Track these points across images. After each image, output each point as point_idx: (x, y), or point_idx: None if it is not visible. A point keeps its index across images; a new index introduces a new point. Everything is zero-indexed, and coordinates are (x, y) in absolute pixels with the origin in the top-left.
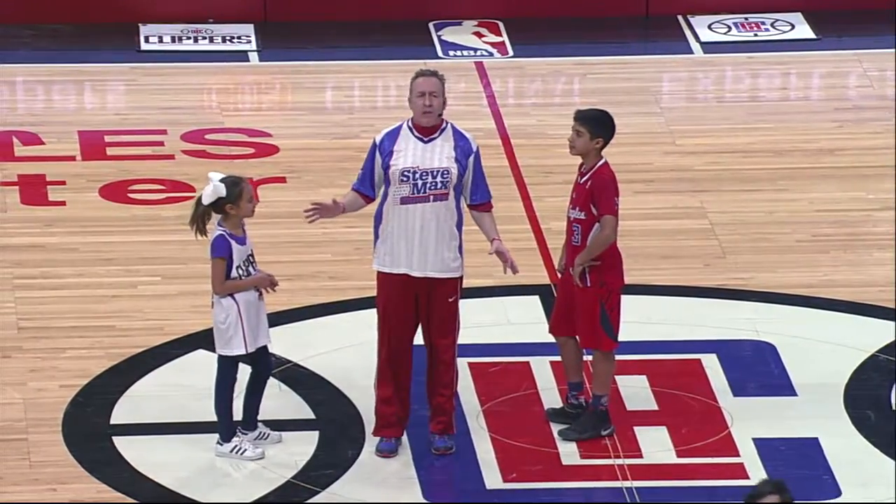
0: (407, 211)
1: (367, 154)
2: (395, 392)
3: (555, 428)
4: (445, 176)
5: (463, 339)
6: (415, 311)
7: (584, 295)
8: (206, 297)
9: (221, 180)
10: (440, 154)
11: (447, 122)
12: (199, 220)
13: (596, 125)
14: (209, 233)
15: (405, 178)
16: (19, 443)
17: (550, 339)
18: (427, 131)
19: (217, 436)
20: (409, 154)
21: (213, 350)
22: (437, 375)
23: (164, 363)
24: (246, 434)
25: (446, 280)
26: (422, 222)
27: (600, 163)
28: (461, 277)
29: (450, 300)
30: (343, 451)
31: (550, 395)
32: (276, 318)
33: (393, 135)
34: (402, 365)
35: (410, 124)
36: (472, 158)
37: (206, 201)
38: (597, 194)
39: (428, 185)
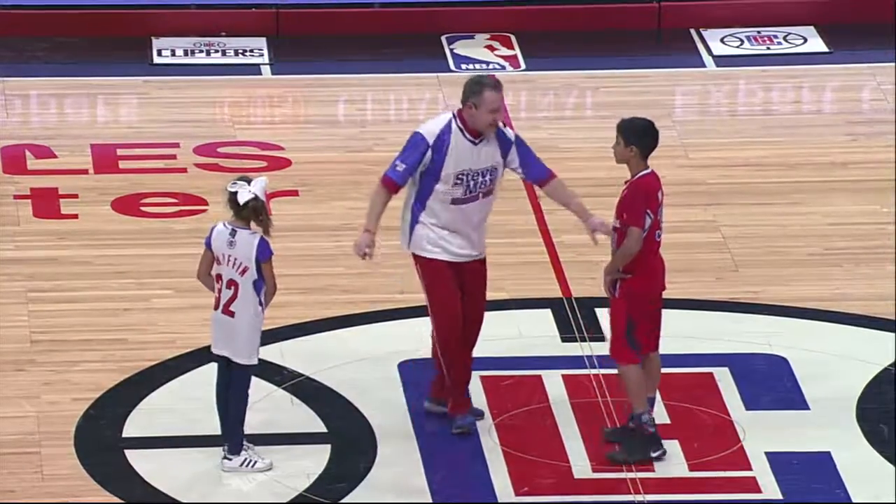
0: (460, 210)
1: (409, 147)
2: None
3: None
4: (494, 174)
5: (475, 352)
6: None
7: (614, 305)
8: None
9: (246, 180)
10: (487, 154)
11: None
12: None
13: (629, 133)
14: (232, 233)
15: (460, 181)
16: (32, 456)
17: (562, 352)
18: (478, 133)
19: (221, 450)
20: (463, 156)
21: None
22: (475, 341)
23: (177, 376)
24: (252, 447)
25: (484, 258)
26: (476, 218)
27: (642, 172)
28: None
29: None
30: (355, 465)
31: (562, 409)
32: (289, 332)
33: (444, 135)
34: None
35: (460, 124)
36: (512, 149)
37: (262, 196)
38: (626, 204)
39: (478, 184)
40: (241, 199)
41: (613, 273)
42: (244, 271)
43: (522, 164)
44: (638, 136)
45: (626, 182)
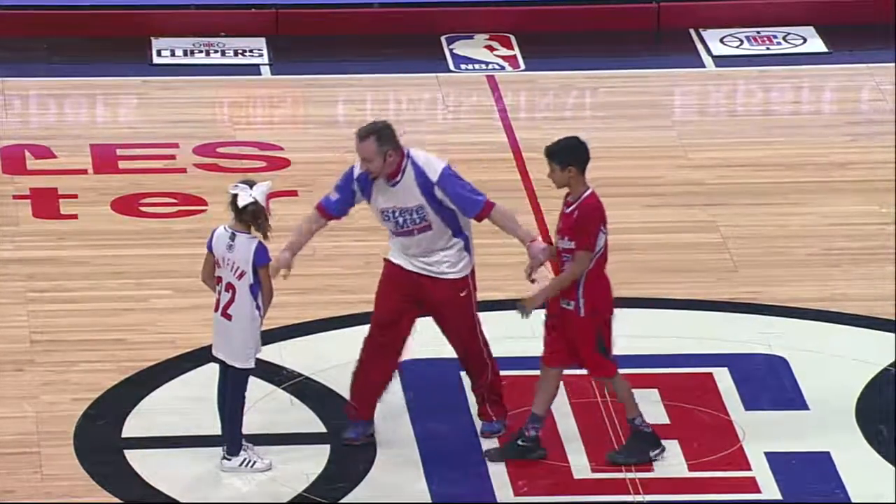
0: (402, 241)
1: (342, 179)
2: None
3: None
4: (422, 212)
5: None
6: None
7: (581, 325)
8: None
9: (247, 183)
10: (408, 194)
11: (408, 160)
12: (266, 221)
13: (562, 156)
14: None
15: (387, 218)
16: (31, 456)
17: None
18: (389, 177)
19: (220, 451)
20: (384, 195)
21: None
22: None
23: (176, 377)
24: (251, 447)
25: (450, 283)
26: (418, 250)
27: (586, 193)
28: (462, 278)
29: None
30: (355, 465)
31: (561, 410)
32: (287, 332)
33: (367, 175)
34: None
35: None
36: (436, 190)
37: (262, 200)
38: (579, 226)
39: (407, 220)
40: (241, 202)
41: (551, 295)
42: (241, 275)
43: (454, 203)
44: (572, 156)
45: (566, 203)
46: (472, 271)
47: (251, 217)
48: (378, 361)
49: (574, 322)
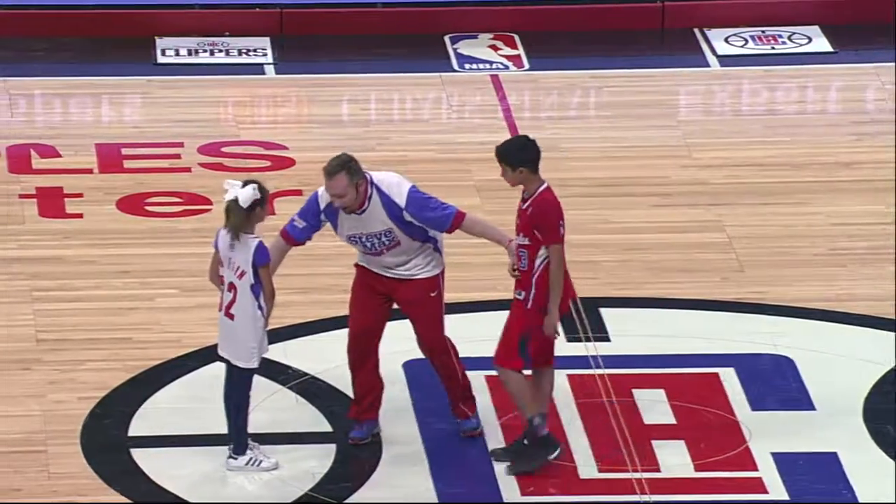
0: (373, 259)
1: (306, 206)
2: None
3: (499, 467)
4: (390, 234)
5: (477, 352)
6: None
7: (521, 314)
8: None
9: (246, 183)
10: (375, 220)
11: (372, 188)
12: (242, 225)
13: (512, 158)
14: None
15: (355, 241)
16: (38, 455)
17: (567, 352)
18: (357, 206)
19: (226, 449)
20: (351, 223)
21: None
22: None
23: (182, 375)
24: (258, 446)
25: (420, 281)
26: (391, 262)
27: (541, 188)
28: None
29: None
30: (360, 464)
31: (567, 409)
32: (292, 332)
33: (333, 205)
34: None
35: None
36: (405, 214)
37: (245, 205)
38: (539, 222)
39: (375, 244)
40: (244, 201)
41: (557, 297)
42: (242, 275)
43: (423, 223)
44: (522, 156)
45: (522, 200)
46: (443, 272)
47: (252, 210)
48: (367, 365)
49: (515, 310)
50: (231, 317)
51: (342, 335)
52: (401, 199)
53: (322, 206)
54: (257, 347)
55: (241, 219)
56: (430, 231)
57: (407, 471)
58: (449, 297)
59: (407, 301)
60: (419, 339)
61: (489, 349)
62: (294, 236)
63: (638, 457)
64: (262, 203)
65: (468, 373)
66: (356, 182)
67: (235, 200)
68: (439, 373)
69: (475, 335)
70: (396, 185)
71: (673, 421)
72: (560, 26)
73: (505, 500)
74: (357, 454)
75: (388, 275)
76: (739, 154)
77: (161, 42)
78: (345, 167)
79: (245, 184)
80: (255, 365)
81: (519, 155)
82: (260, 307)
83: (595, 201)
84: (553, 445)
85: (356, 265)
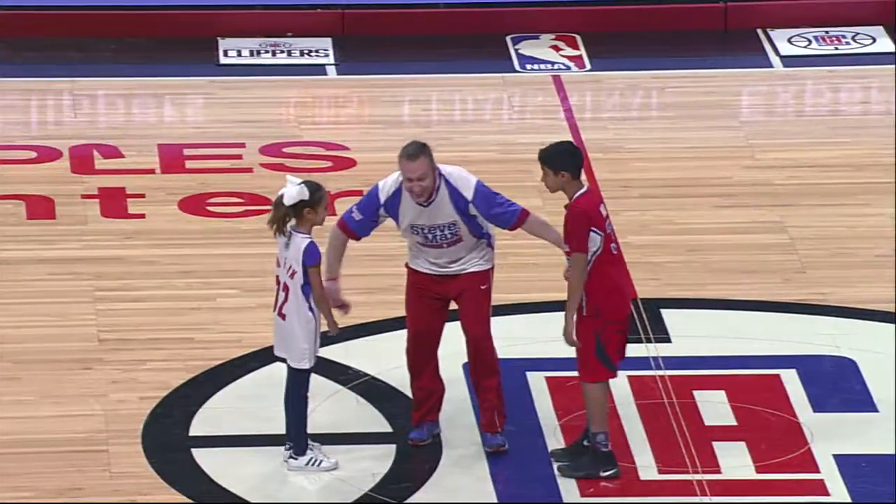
0: (430, 251)
1: (365, 199)
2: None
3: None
4: (454, 227)
5: (539, 353)
6: None
7: (582, 324)
8: None
9: (302, 183)
10: (441, 213)
11: (441, 179)
12: (281, 221)
13: (554, 161)
14: (289, 236)
15: (416, 232)
16: (100, 454)
17: (628, 353)
18: (426, 197)
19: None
20: (414, 215)
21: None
22: (477, 360)
23: (243, 375)
24: (318, 446)
25: (475, 274)
26: (447, 259)
27: (577, 194)
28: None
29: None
30: (420, 465)
31: (628, 410)
32: (353, 332)
33: (395, 196)
34: None
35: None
36: (471, 207)
37: (288, 202)
38: (567, 229)
39: (437, 236)
40: (289, 199)
41: (574, 307)
42: (293, 274)
43: (487, 219)
44: (564, 161)
45: (565, 207)
46: (493, 268)
47: (300, 210)
48: (427, 369)
49: (578, 322)
50: (283, 317)
51: (404, 336)
52: (468, 193)
53: (382, 199)
54: (309, 348)
55: (281, 214)
56: (484, 227)
57: (466, 472)
58: (514, 297)
59: (458, 292)
60: (465, 332)
61: (555, 350)
62: (351, 227)
63: (698, 458)
64: (312, 204)
65: (529, 373)
66: (434, 166)
67: (281, 196)
68: (478, 371)
69: (539, 336)
70: (465, 179)
71: (734, 422)
72: (622, 27)
73: (565, 501)
74: (417, 455)
75: (440, 272)
76: (802, 155)
77: (223, 43)
78: (425, 150)
79: (302, 183)
80: (307, 366)
81: (562, 160)
82: (311, 309)
83: (657, 202)
84: (611, 464)
85: (407, 266)
